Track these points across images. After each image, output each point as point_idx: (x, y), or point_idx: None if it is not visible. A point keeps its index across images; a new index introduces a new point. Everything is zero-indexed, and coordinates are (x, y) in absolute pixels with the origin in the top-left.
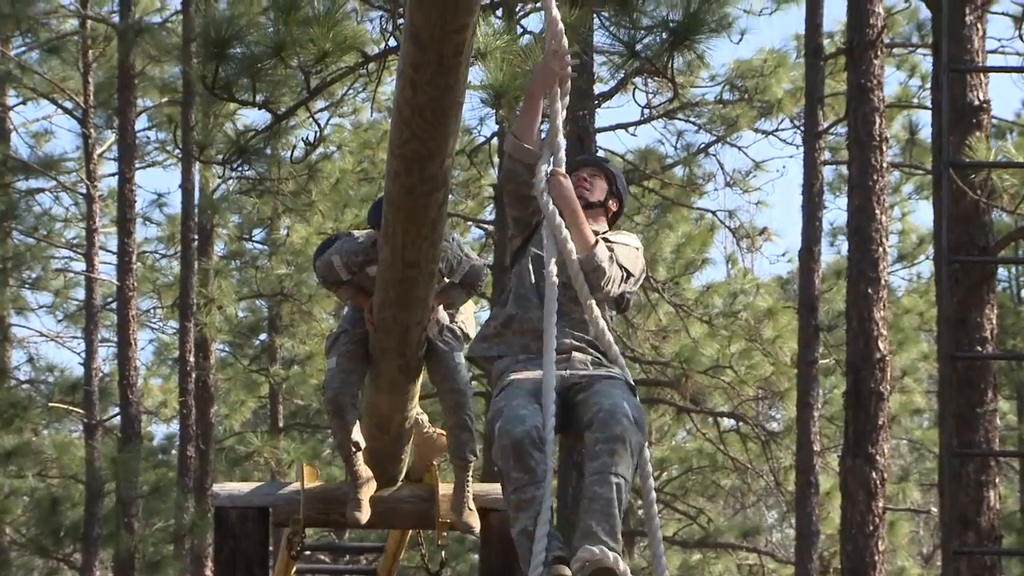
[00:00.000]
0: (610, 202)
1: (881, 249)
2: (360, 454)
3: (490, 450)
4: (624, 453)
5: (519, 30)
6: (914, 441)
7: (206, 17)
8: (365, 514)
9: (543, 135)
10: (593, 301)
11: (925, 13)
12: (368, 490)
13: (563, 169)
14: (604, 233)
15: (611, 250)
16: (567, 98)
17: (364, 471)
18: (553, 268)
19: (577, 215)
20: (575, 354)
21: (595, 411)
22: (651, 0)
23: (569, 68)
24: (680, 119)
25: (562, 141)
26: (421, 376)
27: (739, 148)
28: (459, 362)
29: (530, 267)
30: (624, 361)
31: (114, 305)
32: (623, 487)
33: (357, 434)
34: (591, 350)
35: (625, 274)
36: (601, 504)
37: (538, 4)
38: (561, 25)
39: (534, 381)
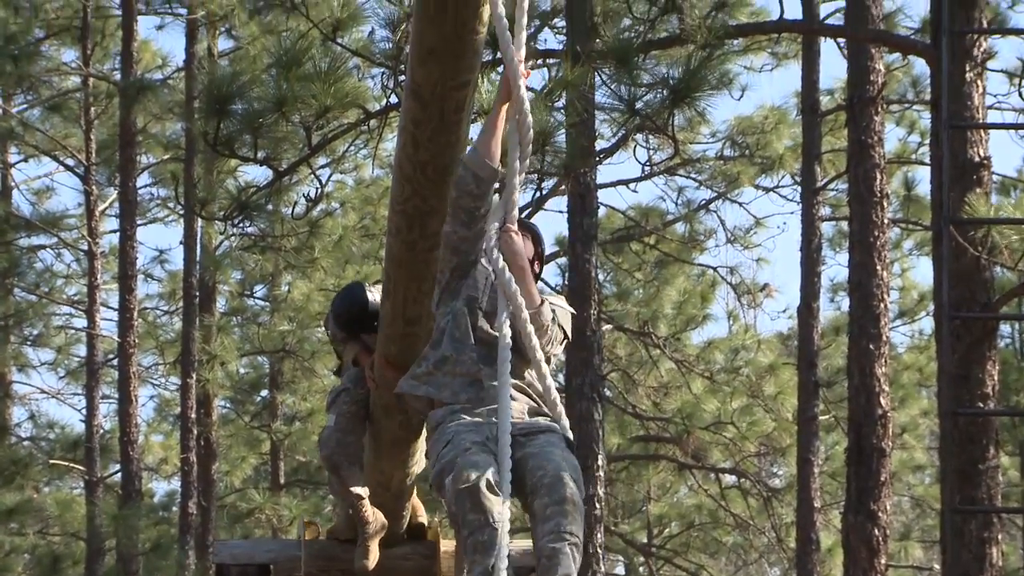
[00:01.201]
0: (535, 264)
1: (882, 305)
2: (366, 501)
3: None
4: (575, 513)
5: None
6: (916, 498)
7: (208, 74)
8: (372, 560)
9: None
10: (541, 357)
11: (924, 69)
12: (377, 536)
13: (515, 227)
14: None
15: (552, 311)
16: (527, 158)
17: (372, 516)
18: (506, 327)
19: (525, 272)
20: (512, 404)
21: (539, 476)
22: (651, 57)
23: (524, 71)
24: (681, 175)
25: (517, 199)
26: (423, 433)
27: (740, 204)
28: None
29: (465, 309)
30: (566, 418)
31: (115, 361)
32: (578, 546)
33: (358, 485)
34: (526, 397)
35: (562, 336)
36: (560, 560)
37: (539, 60)
38: (521, 34)
39: (478, 430)
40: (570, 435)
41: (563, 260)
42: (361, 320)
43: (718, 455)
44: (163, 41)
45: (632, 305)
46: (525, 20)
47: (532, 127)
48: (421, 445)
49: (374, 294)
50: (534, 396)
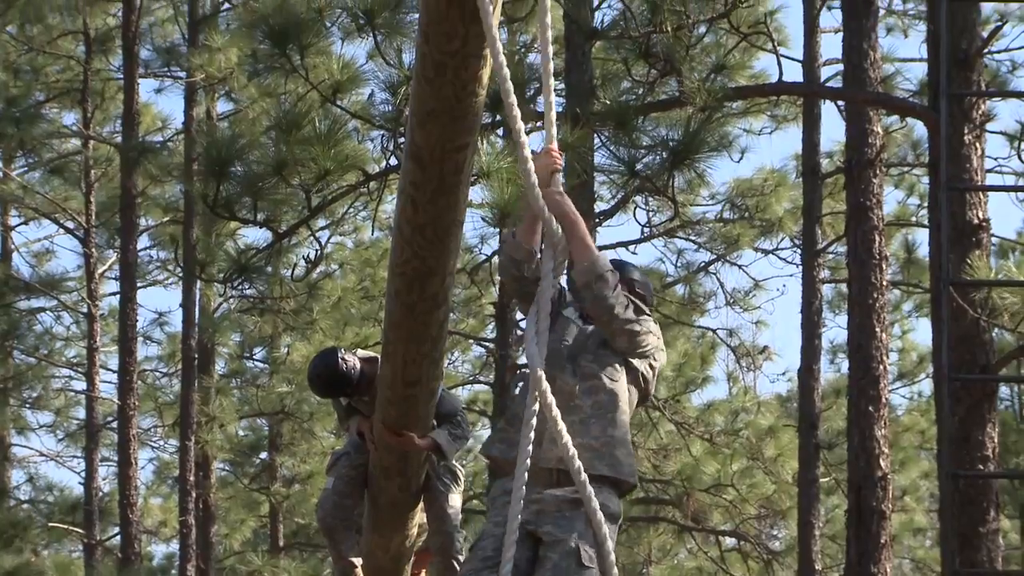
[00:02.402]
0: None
1: (882, 367)
2: (359, 571)
3: None
4: None
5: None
6: (916, 561)
7: (207, 137)
8: None
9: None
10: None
11: (923, 132)
12: None
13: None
14: None
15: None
16: (560, 268)
17: None
18: (532, 331)
19: (577, 225)
20: (546, 492)
21: None
22: (651, 119)
23: (558, 163)
24: (680, 237)
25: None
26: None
27: (739, 266)
28: (453, 505)
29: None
30: (596, 504)
31: (115, 424)
32: None
33: (352, 553)
34: (556, 455)
35: (634, 308)
36: None
37: (539, 124)
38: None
39: (497, 536)
40: (598, 518)
41: None
42: (332, 386)
43: (718, 517)
44: (162, 104)
45: None
46: (552, 99)
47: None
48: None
49: (348, 361)
50: (572, 447)
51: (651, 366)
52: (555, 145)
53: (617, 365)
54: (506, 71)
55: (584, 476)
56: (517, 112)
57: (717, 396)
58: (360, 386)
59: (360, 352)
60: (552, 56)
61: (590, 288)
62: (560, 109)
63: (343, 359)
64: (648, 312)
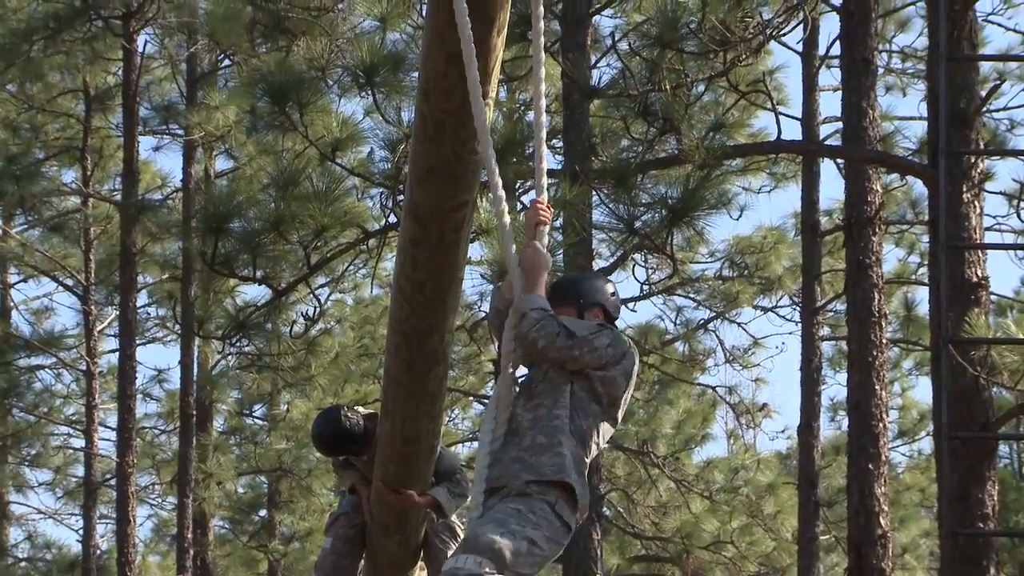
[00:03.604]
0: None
1: (881, 425)
2: None
3: None
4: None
5: (519, 207)
6: None
7: (206, 194)
8: None
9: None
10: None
11: (922, 190)
12: None
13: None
14: None
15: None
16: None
17: None
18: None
19: (532, 273)
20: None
21: None
22: (649, 177)
23: (543, 216)
24: (680, 295)
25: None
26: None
27: (739, 324)
28: None
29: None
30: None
31: (113, 481)
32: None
33: None
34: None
35: (565, 333)
36: None
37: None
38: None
39: None
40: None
41: None
42: (337, 444)
43: (718, 575)
44: (161, 162)
45: (631, 425)
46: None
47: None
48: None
49: (351, 418)
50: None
51: (605, 376)
52: (544, 198)
53: (563, 382)
54: (487, 126)
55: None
56: (494, 165)
57: (717, 453)
58: (365, 443)
59: (361, 409)
60: (551, 114)
61: (516, 327)
62: (559, 166)
63: (346, 416)
64: (609, 326)
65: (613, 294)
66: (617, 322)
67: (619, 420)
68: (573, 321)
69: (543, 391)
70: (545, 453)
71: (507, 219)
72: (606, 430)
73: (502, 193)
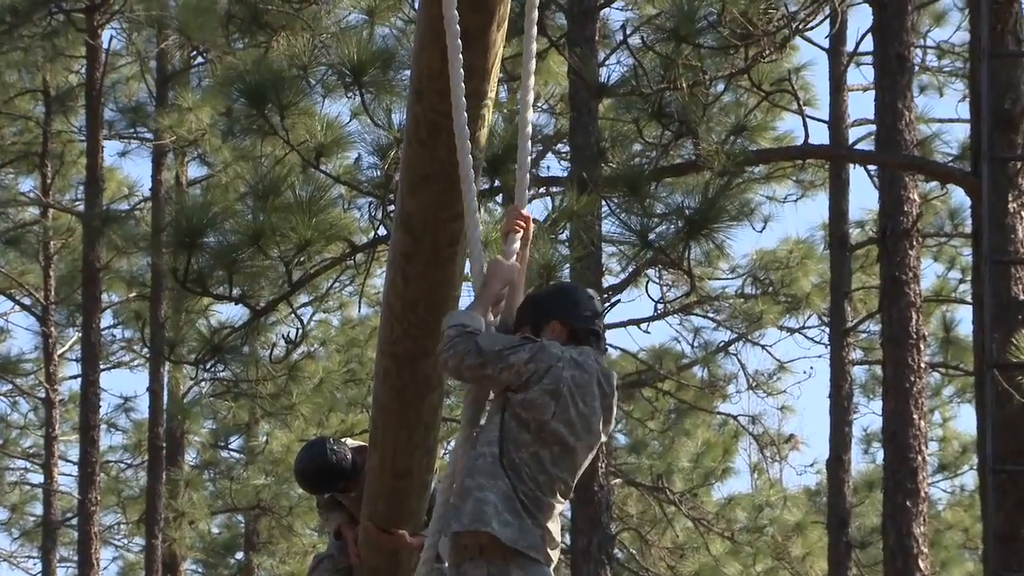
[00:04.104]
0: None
1: (920, 458)
2: None
3: None
4: None
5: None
6: None
7: (177, 204)
8: None
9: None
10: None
11: (963, 199)
12: None
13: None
14: None
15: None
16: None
17: None
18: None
19: (482, 289)
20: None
21: None
22: (664, 185)
23: (515, 224)
24: (698, 315)
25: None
26: None
27: (763, 347)
28: None
29: None
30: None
31: (74, 521)
32: None
33: None
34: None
35: (475, 350)
36: None
37: (542, 189)
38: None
39: None
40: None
41: None
42: (323, 480)
43: None
44: (128, 168)
45: (645, 458)
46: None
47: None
48: None
49: (339, 452)
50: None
51: (524, 400)
52: (523, 204)
53: (495, 411)
54: (465, 128)
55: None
56: (471, 177)
57: (739, 489)
58: (353, 479)
59: (349, 441)
60: (556, 115)
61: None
62: (565, 173)
63: (332, 449)
64: (533, 339)
65: (575, 302)
66: (627, 346)
67: (571, 445)
68: (492, 336)
69: (485, 424)
70: (467, 498)
71: (478, 242)
72: (557, 460)
73: (475, 205)
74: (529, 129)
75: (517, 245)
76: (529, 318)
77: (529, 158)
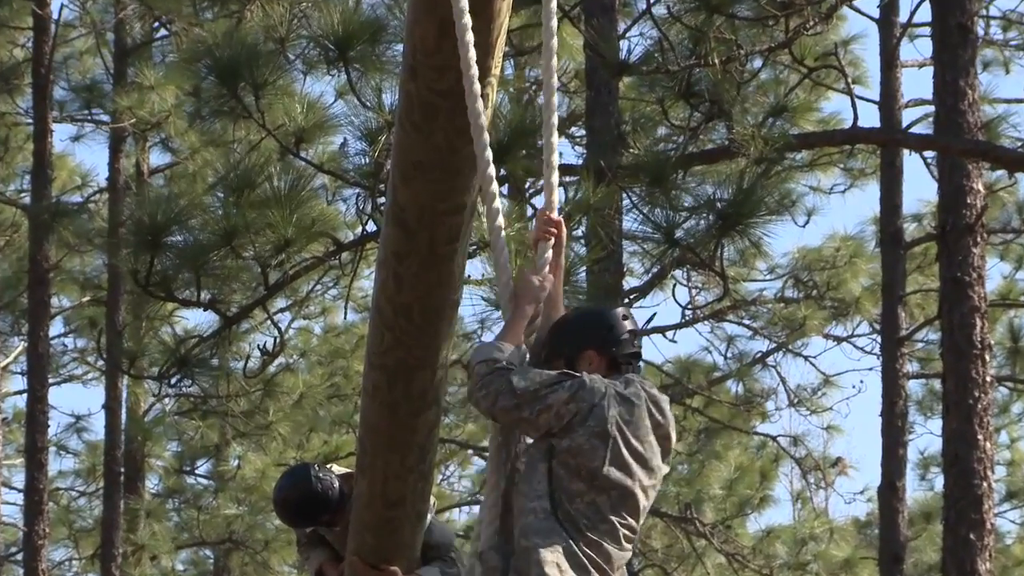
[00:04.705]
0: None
1: (985, 484)
2: None
3: None
4: None
5: (530, 211)
6: None
7: (138, 197)
8: None
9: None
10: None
11: None
12: None
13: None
14: None
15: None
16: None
17: None
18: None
19: (513, 314)
20: None
21: None
22: (693, 174)
23: (545, 231)
24: (732, 321)
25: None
26: None
27: (806, 358)
28: None
29: None
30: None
31: (20, 556)
32: None
33: None
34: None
35: (509, 391)
36: None
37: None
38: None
39: None
40: None
41: None
42: (306, 512)
43: None
44: (82, 155)
45: (671, 484)
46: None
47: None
48: None
49: (324, 479)
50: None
51: (571, 447)
52: (553, 206)
53: (539, 457)
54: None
55: None
56: (488, 162)
57: (779, 520)
58: (340, 511)
59: (335, 468)
60: (570, 94)
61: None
62: (580, 161)
63: (317, 476)
64: (572, 374)
65: (611, 327)
66: (652, 357)
67: (630, 488)
68: (528, 372)
69: (523, 471)
70: (528, 561)
71: (502, 236)
72: (617, 506)
73: (499, 204)
74: (555, 119)
75: (550, 255)
76: (561, 350)
77: (557, 152)
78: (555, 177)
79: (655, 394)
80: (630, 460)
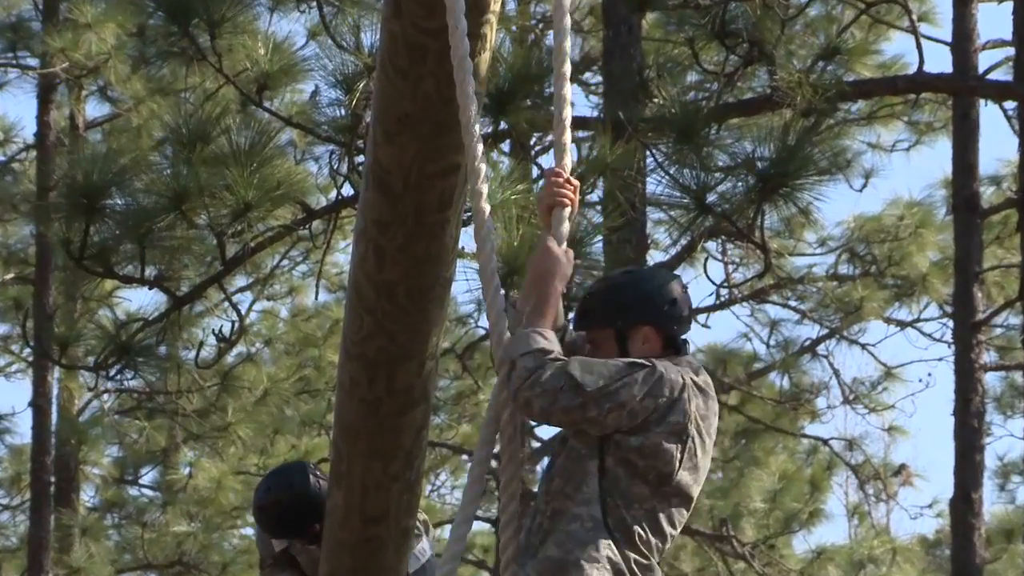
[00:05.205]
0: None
1: None
2: None
3: None
4: None
5: (535, 171)
6: None
7: (72, 155)
8: None
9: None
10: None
11: None
12: None
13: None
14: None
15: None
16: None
17: None
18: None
19: (539, 297)
20: None
21: None
22: (729, 128)
23: (562, 196)
24: (775, 303)
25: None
26: None
27: (863, 347)
28: None
29: None
30: None
31: None
32: None
33: None
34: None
35: (570, 387)
36: None
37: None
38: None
39: None
40: None
41: None
42: (296, 517)
43: None
44: (5, 106)
45: (704, 496)
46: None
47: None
48: None
49: (323, 481)
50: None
51: (644, 445)
52: (566, 166)
53: (589, 454)
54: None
55: None
56: (473, 115)
57: (832, 539)
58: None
59: None
60: (583, 34)
61: (504, 381)
62: (595, 112)
63: (315, 475)
64: (647, 362)
65: (673, 300)
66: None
67: (692, 496)
68: (588, 364)
69: (563, 467)
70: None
71: (485, 204)
72: (674, 516)
73: (481, 166)
74: (567, 65)
75: (567, 226)
76: (611, 321)
77: (570, 103)
78: (567, 132)
79: (706, 378)
80: (700, 461)
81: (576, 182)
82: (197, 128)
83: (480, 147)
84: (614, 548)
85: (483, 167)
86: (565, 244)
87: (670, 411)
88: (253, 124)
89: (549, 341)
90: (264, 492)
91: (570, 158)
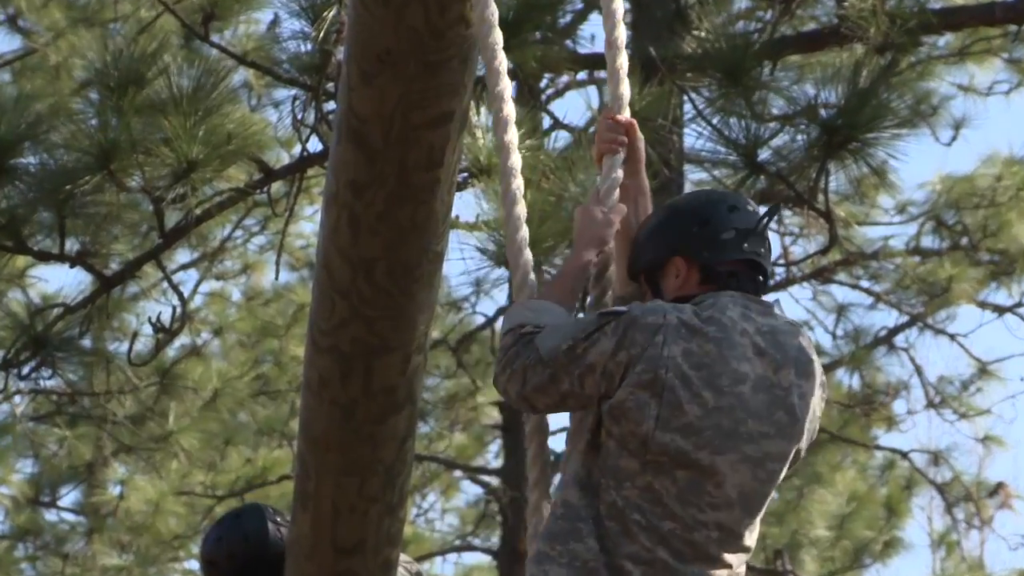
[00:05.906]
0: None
1: None
2: None
3: None
4: None
5: (547, 122)
6: None
7: None
8: None
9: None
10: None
11: None
12: None
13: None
14: None
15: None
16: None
17: None
18: None
19: (569, 261)
20: None
21: None
22: (786, 69)
23: (615, 143)
24: (842, 283)
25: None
26: None
27: (951, 337)
28: None
29: None
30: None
31: None
32: None
33: None
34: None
35: (535, 360)
36: None
37: (582, 75)
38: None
39: None
40: None
41: None
42: (252, 566)
43: None
44: None
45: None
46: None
47: None
48: None
49: (283, 525)
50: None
51: (611, 408)
52: (622, 106)
53: (581, 431)
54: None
55: None
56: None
57: (913, 573)
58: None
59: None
60: None
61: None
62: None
63: (275, 522)
64: (615, 312)
65: (705, 220)
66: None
67: (712, 466)
68: (556, 327)
69: (567, 453)
70: (535, 568)
71: (515, 157)
72: (687, 488)
73: (510, 110)
74: (619, 3)
75: (619, 173)
76: (644, 260)
77: (623, 25)
78: (622, 60)
79: (776, 321)
80: (702, 418)
81: (632, 121)
82: (128, 68)
83: (508, 83)
84: (593, 540)
85: (511, 110)
86: (616, 196)
87: (640, 359)
88: (198, 63)
89: (536, 313)
90: (214, 543)
91: (626, 94)
